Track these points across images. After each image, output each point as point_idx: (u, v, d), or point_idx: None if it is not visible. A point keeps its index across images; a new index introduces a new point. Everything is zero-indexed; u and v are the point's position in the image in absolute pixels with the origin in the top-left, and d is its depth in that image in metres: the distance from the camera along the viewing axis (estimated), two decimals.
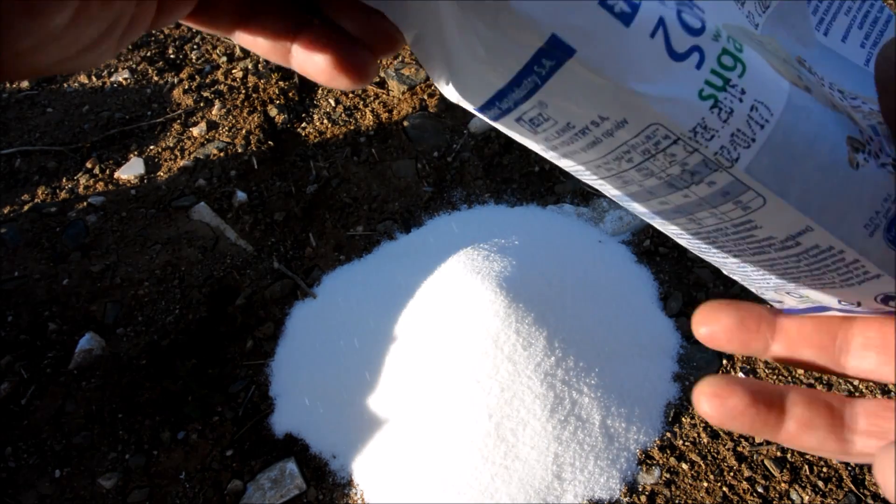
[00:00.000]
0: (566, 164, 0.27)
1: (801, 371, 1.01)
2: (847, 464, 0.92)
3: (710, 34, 0.23)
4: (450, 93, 0.25)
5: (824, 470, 0.91)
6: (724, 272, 0.31)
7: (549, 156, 0.26)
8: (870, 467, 0.92)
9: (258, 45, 0.24)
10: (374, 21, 0.24)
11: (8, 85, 1.46)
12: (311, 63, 0.24)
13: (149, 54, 1.53)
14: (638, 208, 0.28)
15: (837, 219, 0.25)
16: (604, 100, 0.22)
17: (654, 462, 0.92)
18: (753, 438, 0.94)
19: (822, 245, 0.26)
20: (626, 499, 0.89)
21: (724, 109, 0.23)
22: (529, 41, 0.21)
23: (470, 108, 0.25)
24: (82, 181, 1.28)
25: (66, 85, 1.47)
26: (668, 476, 0.91)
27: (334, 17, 0.24)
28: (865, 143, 0.25)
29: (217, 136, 1.34)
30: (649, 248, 1.16)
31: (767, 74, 0.24)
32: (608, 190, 0.28)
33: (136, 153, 1.32)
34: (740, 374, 1.00)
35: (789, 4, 0.28)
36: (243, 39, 0.24)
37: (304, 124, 1.38)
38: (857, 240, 0.25)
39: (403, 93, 1.42)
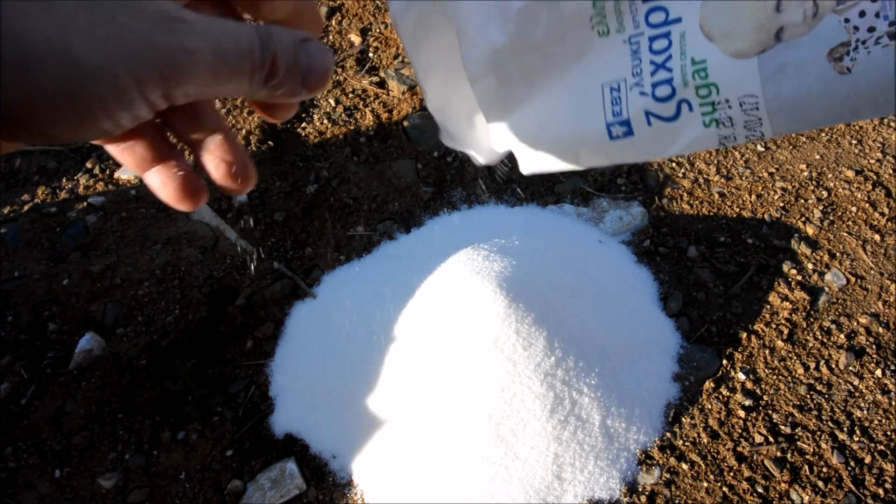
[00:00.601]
0: None
1: (800, 371, 1.01)
2: (847, 463, 0.92)
3: (680, 85, 0.32)
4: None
5: (824, 470, 0.91)
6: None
7: None
8: (870, 467, 0.92)
9: (125, 160, 0.32)
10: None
11: None
12: (162, 191, 0.32)
13: None
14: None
15: (870, 107, 0.31)
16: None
17: (654, 462, 0.92)
18: (753, 438, 0.94)
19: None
20: (626, 499, 0.89)
21: (725, 121, 0.32)
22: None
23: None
24: (82, 181, 1.28)
25: None
26: (668, 476, 0.91)
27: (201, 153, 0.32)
28: (849, 44, 0.29)
29: None
30: (649, 248, 1.16)
31: (734, 71, 0.32)
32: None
33: None
34: (740, 375, 1.00)
35: None
36: (111, 151, 0.32)
37: (304, 124, 1.38)
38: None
39: (403, 93, 1.42)
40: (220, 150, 0.32)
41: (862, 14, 0.28)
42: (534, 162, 0.41)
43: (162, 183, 0.32)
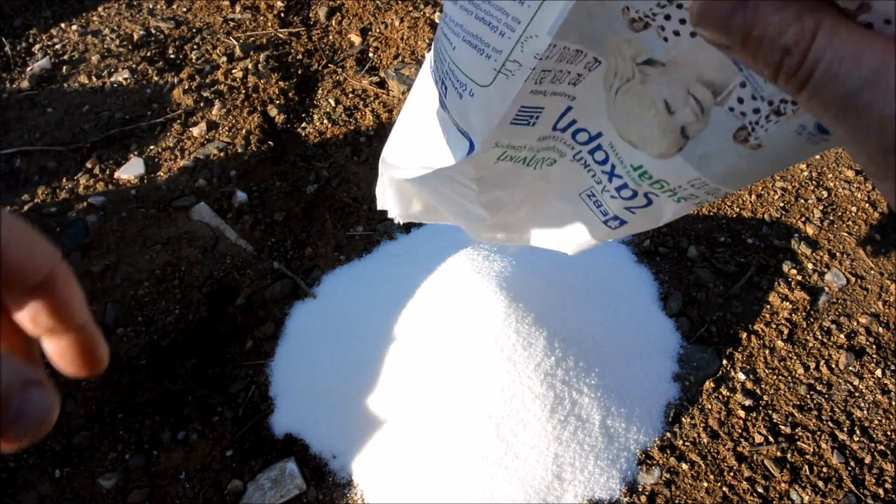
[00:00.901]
0: None
1: (800, 371, 1.01)
2: (847, 464, 0.92)
3: (635, 185, 0.37)
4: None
5: (824, 470, 0.91)
6: None
7: None
8: (870, 467, 0.92)
9: (22, 321, 0.28)
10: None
11: (8, 85, 1.46)
12: (61, 364, 0.28)
13: (149, 54, 1.53)
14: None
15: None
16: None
17: (654, 462, 0.92)
18: (753, 438, 0.94)
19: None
20: (626, 499, 0.89)
21: (689, 197, 0.37)
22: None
23: None
24: (82, 181, 1.28)
25: (66, 85, 1.47)
26: (668, 476, 0.91)
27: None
28: (747, 127, 0.30)
29: (217, 136, 1.34)
30: (649, 248, 1.16)
31: (670, 167, 0.35)
32: None
33: (136, 153, 1.32)
34: (740, 375, 1.00)
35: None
36: None
37: (304, 124, 1.38)
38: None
39: (403, 93, 1.42)
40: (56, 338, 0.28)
41: (740, 100, 0.29)
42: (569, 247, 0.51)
43: (60, 358, 0.28)
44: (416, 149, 0.42)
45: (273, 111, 1.39)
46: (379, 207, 0.51)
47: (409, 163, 0.42)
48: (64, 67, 1.50)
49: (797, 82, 0.19)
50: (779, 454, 0.93)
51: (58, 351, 0.28)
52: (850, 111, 0.18)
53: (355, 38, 1.57)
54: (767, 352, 1.03)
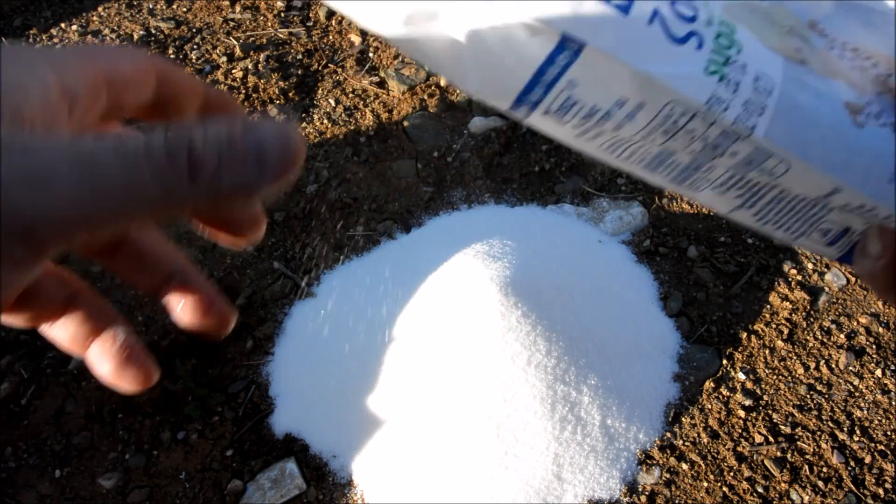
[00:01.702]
0: (593, 148, 0.28)
1: (800, 371, 1.01)
2: (847, 463, 0.92)
3: (703, 21, 0.25)
4: (479, 94, 0.26)
5: (824, 470, 0.91)
6: (761, 231, 0.32)
7: (577, 142, 0.27)
8: (870, 467, 0.92)
9: (59, 340, 0.27)
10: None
11: None
12: (99, 368, 0.27)
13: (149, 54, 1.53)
14: (670, 185, 0.29)
15: (863, 176, 0.26)
16: (620, 84, 0.24)
17: (654, 462, 0.92)
18: (753, 438, 0.94)
19: (853, 203, 0.27)
20: (626, 499, 0.89)
21: (731, 81, 0.25)
22: (543, 45, 0.23)
23: (502, 107, 0.26)
24: None
25: None
26: (668, 476, 0.91)
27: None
28: (864, 107, 0.26)
29: None
30: (649, 248, 1.16)
31: (762, 50, 0.26)
32: (636, 170, 0.29)
33: None
34: (740, 375, 1.00)
35: None
36: (44, 333, 0.27)
37: (304, 124, 1.38)
38: (887, 195, 0.27)
39: (403, 93, 1.42)
40: (180, 291, 0.26)
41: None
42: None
43: (97, 359, 0.27)
44: None
45: (273, 111, 1.39)
46: None
47: None
48: None
49: None
50: (779, 454, 0.93)
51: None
52: None
53: (355, 38, 1.57)
54: (767, 352, 1.03)
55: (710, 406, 0.98)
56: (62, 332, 0.26)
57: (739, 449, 0.94)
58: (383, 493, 0.90)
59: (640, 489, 0.90)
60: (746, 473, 0.91)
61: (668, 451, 0.93)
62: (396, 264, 1.11)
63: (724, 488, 0.90)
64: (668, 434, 0.95)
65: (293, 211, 1.23)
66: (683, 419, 0.96)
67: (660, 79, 0.24)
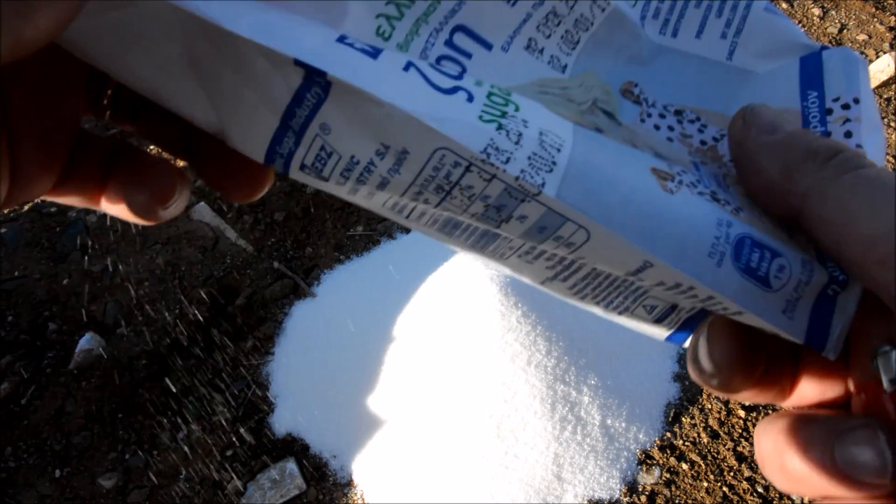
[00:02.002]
0: (378, 207, 0.23)
1: None
2: None
3: (471, 81, 0.21)
4: (238, 146, 0.22)
5: None
6: (581, 305, 0.26)
7: (357, 200, 0.22)
8: None
9: (74, 199, 0.24)
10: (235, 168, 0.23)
11: None
12: (124, 206, 0.23)
13: None
14: (472, 252, 0.25)
15: (677, 247, 0.21)
16: (378, 128, 0.20)
17: (654, 462, 0.92)
18: (753, 438, 0.94)
19: (667, 282, 0.22)
20: (626, 499, 0.89)
21: (511, 132, 0.20)
22: (289, 79, 0.19)
23: (259, 161, 0.21)
24: None
25: None
26: (668, 476, 0.91)
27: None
28: (673, 176, 0.22)
29: None
30: None
31: (546, 111, 0.22)
32: (432, 234, 0.24)
33: None
34: None
35: (609, 26, 0.25)
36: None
37: None
38: (705, 271, 0.21)
39: None
40: (214, 148, 0.23)
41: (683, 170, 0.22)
42: None
43: (117, 197, 0.23)
44: None
45: None
46: None
47: None
48: None
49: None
50: None
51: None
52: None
53: None
54: None
55: (710, 406, 0.98)
56: (75, 187, 0.23)
57: (739, 449, 0.94)
58: (383, 493, 0.90)
59: (640, 489, 0.90)
60: (746, 473, 0.91)
61: (668, 451, 0.93)
62: (396, 264, 1.11)
63: (724, 488, 0.90)
64: (668, 434, 0.95)
65: (293, 211, 1.23)
66: (683, 419, 0.96)
67: (424, 119, 0.19)
